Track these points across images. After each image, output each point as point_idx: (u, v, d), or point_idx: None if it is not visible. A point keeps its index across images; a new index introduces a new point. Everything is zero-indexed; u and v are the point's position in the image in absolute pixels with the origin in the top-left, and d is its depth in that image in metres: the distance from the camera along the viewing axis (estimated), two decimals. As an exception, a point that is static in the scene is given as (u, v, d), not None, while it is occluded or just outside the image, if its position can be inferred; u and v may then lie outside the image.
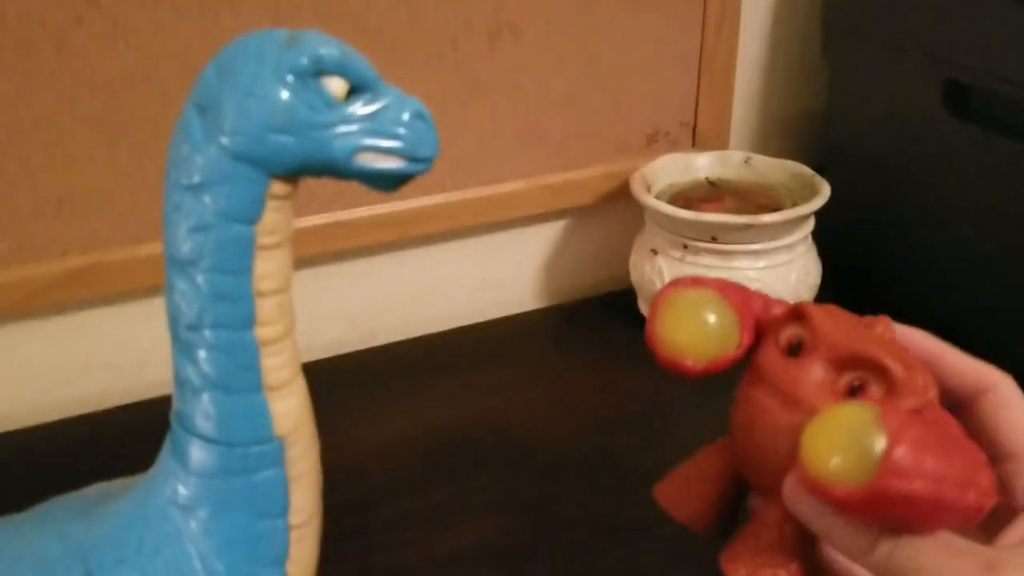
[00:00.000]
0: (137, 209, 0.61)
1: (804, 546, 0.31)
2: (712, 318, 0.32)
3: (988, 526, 0.30)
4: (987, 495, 0.27)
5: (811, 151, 0.80)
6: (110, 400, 0.64)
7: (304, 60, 0.28)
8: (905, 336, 0.33)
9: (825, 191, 0.65)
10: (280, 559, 0.32)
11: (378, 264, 0.71)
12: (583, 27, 0.69)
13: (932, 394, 0.30)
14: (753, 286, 0.38)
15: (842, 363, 0.30)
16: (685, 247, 0.64)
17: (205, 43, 0.58)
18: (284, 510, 0.31)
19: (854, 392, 0.30)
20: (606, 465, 0.56)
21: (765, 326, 0.33)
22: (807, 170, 0.69)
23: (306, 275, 0.67)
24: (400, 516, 0.52)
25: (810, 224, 0.65)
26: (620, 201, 0.73)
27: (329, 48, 0.28)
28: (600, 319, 0.73)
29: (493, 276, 0.75)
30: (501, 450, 0.58)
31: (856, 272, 0.72)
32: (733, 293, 0.33)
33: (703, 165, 0.73)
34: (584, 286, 0.78)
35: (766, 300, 0.34)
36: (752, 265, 0.63)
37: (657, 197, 0.67)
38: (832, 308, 0.32)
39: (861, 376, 0.30)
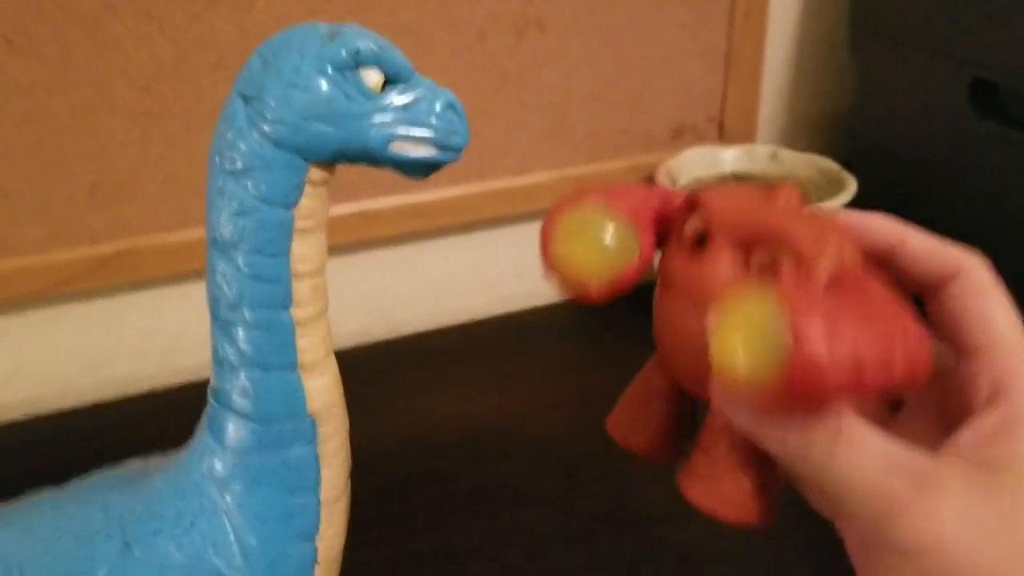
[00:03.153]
0: (168, 197, 0.62)
1: (757, 452, 0.28)
2: (604, 235, 0.29)
3: (947, 422, 0.28)
4: (917, 364, 0.24)
5: (838, 148, 0.80)
6: (138, 386, 0.66)
7: (343, 53, 0.29)
8: (861, 222, 0.30)
9: (852, 186, 0.65)
10: (310, 534, 0.32)
11: (403, 254, 0.72)
12: (610, 21, 0.69)
13: (850, 258, 0.27)
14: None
15: (747, 245, 0.27)
16: (709, 241, 0.64)
17: (238, 34, 0.59)
18: (315, 486, 0.32)
19: (767, 272, 0.27)
20: (629, 457, 0.56)
21: (669, 223, 0.30)
22: (834, 165, 0.69)
23: (331, 264, 0.67)
24: (423, 505, 0.53)
25: (835, 220, 0.66)
26: (645, 195, 0.74)
27: (367, 42, 0.29)
28: (624, 312, 0.73)
29: (518, 267, 0.76)
30: (524, 441, 0.58)
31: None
32: (621, 199, 0.30)
33: (729, 159, 0.73)
34: (608, 279, 0.78)
35: (666, 194, 0.31)
36: (777, 260, 0.63)
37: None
38: (731, 188, 0.29)
39: (769, 253, 0.27)
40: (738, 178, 0.72)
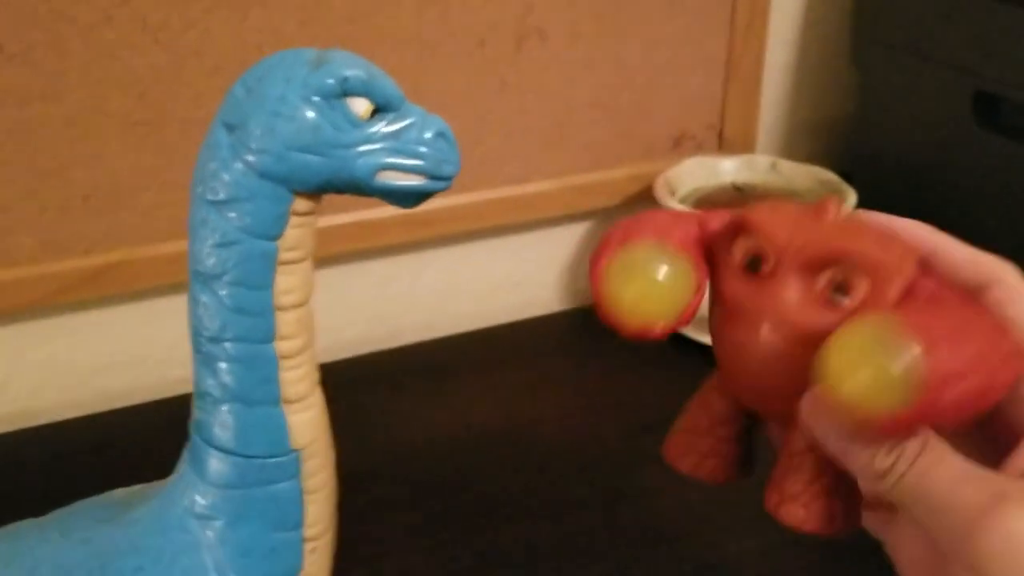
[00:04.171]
0: (163, 207, 0.61)
1: (841, 469, 0.29)
2: (663, 273, 0.29)
3: (990, 436, 0.28)
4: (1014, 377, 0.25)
5: (838, 158, 0.80)
6: (133, 397, 0.65)
7: (330, 81, 0.28)
8: (891, 227, 0.30)
9: (852, 197, 0.64)
10: (294, 571, 0.32)
11: (403, 263, 0.71)
12: (610, 29, 0.68)
13: (913, 265, 0.28)
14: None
15: (813, 267, 0.28)
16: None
17: (234, 42, 0.59)
18: (299, 522, 0.32)
19: (838, 292, 0.27)
20: (631, 469, 0.56)
21: (710, 248, 0.31)
22: (834, 176, 0.68)
23: (330, 274, 0.67)
24: (422, 519, 0.52)
25: (836, 232, 0.65)
26: (646, 203, 0.73)
27: (355, 70, 0.28)
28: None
29: (517, 277, 0.75)
30: (524, 453, 0.58)
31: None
32: (670, 233, 0.30)
33: (729, 169, 0.73)
34: (607, 288, 0.78)
35: (699, 218, 0.31)
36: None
37: (682, 201, 0.67)
38: (777, 207, 0.30)
39: (840, 273, 0.27)
40: (739, 189, 0.71)
